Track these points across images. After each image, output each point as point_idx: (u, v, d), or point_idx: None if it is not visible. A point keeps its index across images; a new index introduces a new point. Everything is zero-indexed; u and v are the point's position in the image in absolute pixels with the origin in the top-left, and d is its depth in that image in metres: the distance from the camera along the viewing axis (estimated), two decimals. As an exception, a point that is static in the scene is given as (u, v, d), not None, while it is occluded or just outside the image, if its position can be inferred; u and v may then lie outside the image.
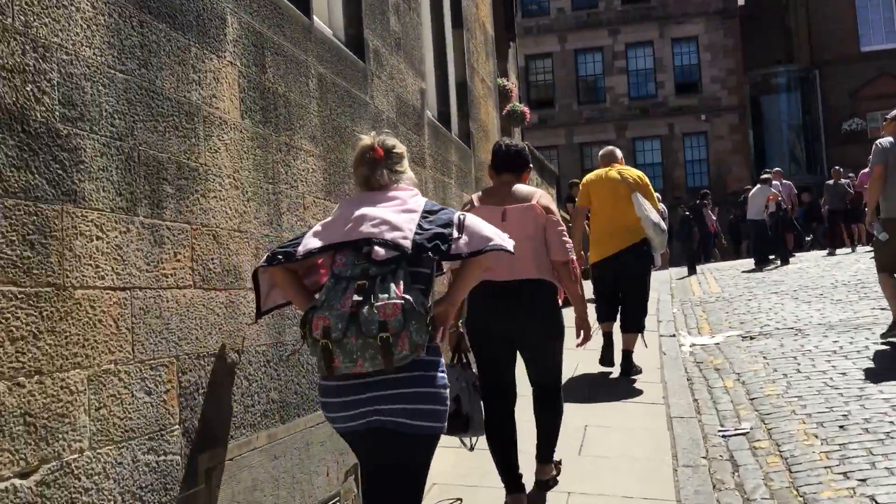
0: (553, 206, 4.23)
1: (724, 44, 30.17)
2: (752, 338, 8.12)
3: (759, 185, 15.77)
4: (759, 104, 31.16)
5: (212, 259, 2.94)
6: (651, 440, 5.13)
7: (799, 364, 6.61)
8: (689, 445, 4.92)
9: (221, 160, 3.03)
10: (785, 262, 15.26)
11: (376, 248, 2.61)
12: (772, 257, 15.82)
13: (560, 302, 4.19)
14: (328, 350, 2.47)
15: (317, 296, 2.68)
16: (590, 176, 7.06)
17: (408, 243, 2.61)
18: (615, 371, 6.95)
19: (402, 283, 2.53)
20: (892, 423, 4.78)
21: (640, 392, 6.33)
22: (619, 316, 6.98)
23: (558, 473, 4.42)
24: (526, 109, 10.29)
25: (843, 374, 6.10)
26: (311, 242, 2.73)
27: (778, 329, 8.34)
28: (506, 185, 4.23)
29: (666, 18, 30.58)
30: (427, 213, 2.75)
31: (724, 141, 30.18)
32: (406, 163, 2.94)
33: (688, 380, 6.67)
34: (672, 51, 30.68)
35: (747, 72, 30.63)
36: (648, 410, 5.76)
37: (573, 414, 5.55)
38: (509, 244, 2.73)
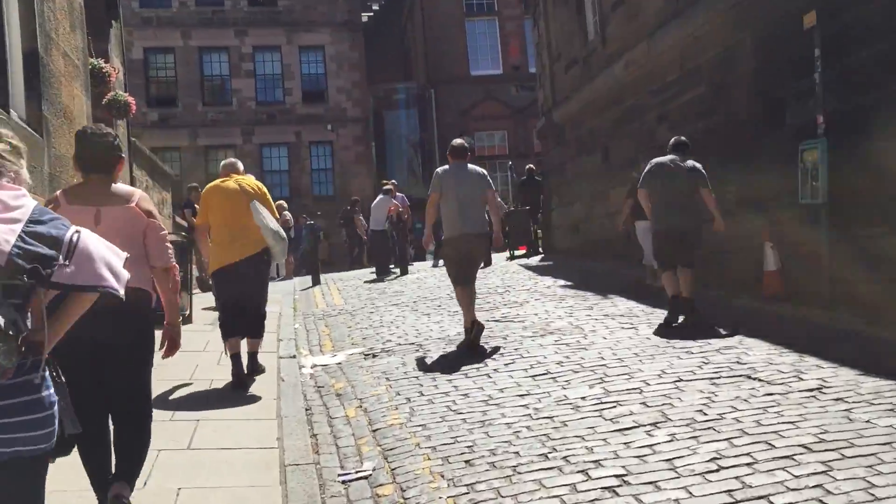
0: (154, 209, 3.99)
1: (350, 56, 30.67)
2: (374, 355, 7.72)
3: (380, 196, 15.89)
4: (381, 118, 32.25)
5: None
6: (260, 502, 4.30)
7: (422, 385, 6.28)
8: (305, 502, 4.18)
9: None
10: (404, 271, 15.54)
11: None
12: (392, 267, 16.04)
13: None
14: None
15: None
16: (208, 187, 7.00)
17: (2, 258, 2.18)
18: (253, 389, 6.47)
19: None
20: (517, 453, 4.52)
21: (253, 431, 5.48)
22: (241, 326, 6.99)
23: None
24: (131, 100, 8.89)
25: (466, 395, 5.86)
26: None
27: (400, 345, 8.07)
28: (98, 182, 3.84)
29: (293, 25, 30.24)
30: (34, 222, 2.31)
31: (348, 151, 30.65)
32: (22, 158, 2.53)
33: (307, 410, 5.98)
34: (300, 58, 30.42)
35: (371, 86, 31.52)
36: (261, 459, 4.91)
37: (167, 473, 4.53)
38: (121, 284, 2.38)
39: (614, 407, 5.18)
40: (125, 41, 28.81)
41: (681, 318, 7.60)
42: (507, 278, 12.81)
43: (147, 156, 11.41)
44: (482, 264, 8.07)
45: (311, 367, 7.52)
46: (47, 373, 2.40)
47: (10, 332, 2.16)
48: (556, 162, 17.51)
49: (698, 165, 8.01)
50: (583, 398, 5.46)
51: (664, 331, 7.36)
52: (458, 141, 8.10)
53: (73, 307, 2.44)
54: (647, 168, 8.12)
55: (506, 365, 6.65)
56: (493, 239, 8.18)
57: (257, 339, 7.10)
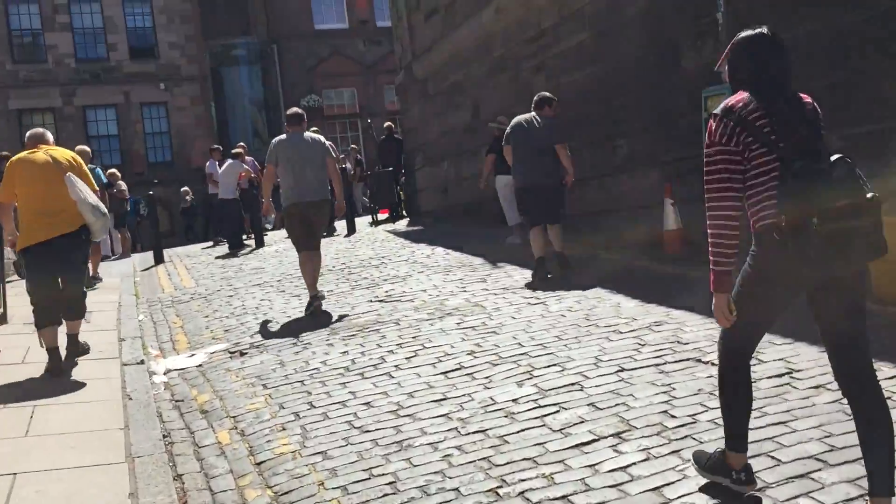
0: None
1: (182, 9, 28.04)
2: (242, 353, 6.44)
3: (229, 161, 14.26)
4: (220, 76, 29.88)
5: None
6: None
7: (310, 393, 5.10)
8: None
9: None
10: (260, 244, 14.09)
11: None
12: (246, 240, 14.55)
13: None
14: None
15: None
16: (14, 159, 6.36)
17: None
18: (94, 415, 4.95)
19: None
20: (457, 491, 3.47)
21: (96, 488, 4.11)
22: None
23: None
24: None
25: (368, 404, 4.74)
26: None
27: (272, 337, 6.81)
28: None
29: (113, -28, 27.27)
30: None
31: (185, 113, 28.20)
32: None
33: (165, 438, 4.68)
34: (124, 10, 27.49)
35: (207, 41, 29.06)
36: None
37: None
38: None
39: (558, 412, 4.24)
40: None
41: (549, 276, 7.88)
42: (378, 248, 11.68)
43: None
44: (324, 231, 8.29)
45: (165, 374, 6.14)
46: None
47: None
48: (419, 119, 16.43)
49: (555, 121, 8.25)
50: (514, 401, 4.48)
51: (535, 285, 7.56)
52: (293, 109, 8.20)
53: None
54: (509, 126, 8.36)
55: (407, 359, 5.57)
56: (335, 207, 8.01)
57: (77, 321, 6.48)
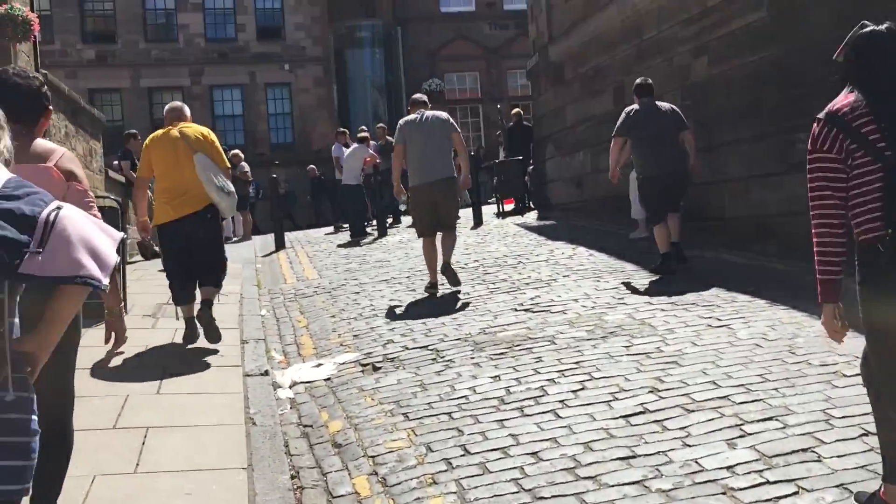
0: (78, 169, 3.24)
1: (309, -12, 27.90)
2: (376, 367, 5.67)
3: (354, 146, 13.66)
4: (343, 58, 29.59)
5: None
6: None
7: (462, 433, 4.25)
8: None
9: None
10: (383, 233, 13.43)
11: None
12: (368, 228, 13.93)
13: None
14: None
15: None
16: (151, 137, 6.47)
17: None
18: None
19: None
20: None
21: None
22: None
23: None
24: (33, 17, 6.45)
25: (536, 456, 3.85)
26: None
27: (408, 348, 6.02)
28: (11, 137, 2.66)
29: (245, -47, 27.33)
30: (5, 198, 1.86)
31: (308, 94, 28.07)
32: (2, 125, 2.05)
33: (293, 479, 3.93)
34: (253, -9, 27.55)
35: (331, 23, 28.80)
36: None
37: None
38: (106, 272, 1.89)
39: (797, 494, 3.22)
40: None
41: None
42: (511, 244, 10.77)
43: (67, 94, 9.03)
44: (455, 213, 8.09)
45: (291, 388, 5.45)
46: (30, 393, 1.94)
47: None
48: (553, 106, 15.38)
49: (675, 107, 8.24)
50: (730, 469, 3.49)
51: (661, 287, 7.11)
52: (417, 95, 8.35)
53: (60, 304, 1.97)
54: (626, 114, 8.04)
55: (574, 392, 4.65)
56: (461, 182, 8.09)
57: (211, 288, 6.47)
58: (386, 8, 29.83)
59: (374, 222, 14.07)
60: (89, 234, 1.93)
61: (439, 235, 7.86)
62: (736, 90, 9.50)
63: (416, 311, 7.25)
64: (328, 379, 5.58)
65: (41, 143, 3.21)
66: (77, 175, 3.24)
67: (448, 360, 5.58)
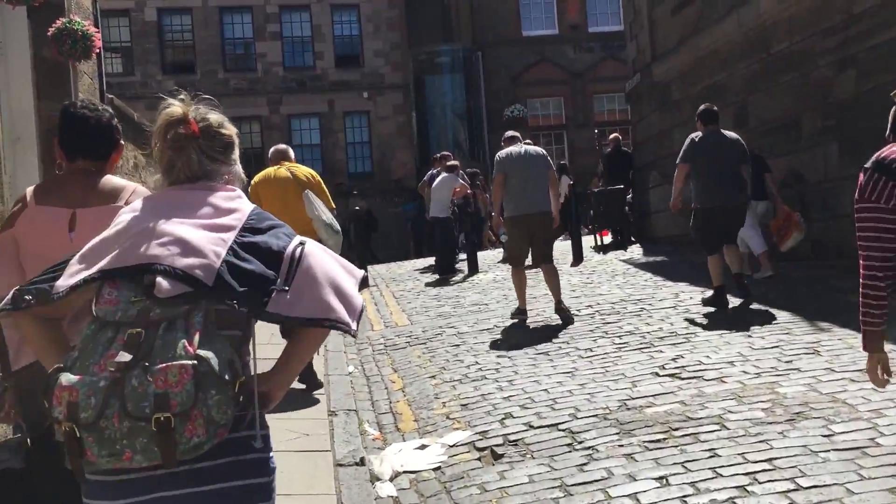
0: None
1: (388, 15, 27.24)
2: (496, 455, 4.52)
3: (443, 175, 12.62)
4: (422, 84, 28.81)
5: None
6: None
7: (640, 575, 3.06)
8: None
9: None
10: (474, 270, 12.31)
11: (159, 279, 1.73)
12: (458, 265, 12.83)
13: None
14: (75, 438, 1.62)
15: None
16: (259, 176, 6.50)
17: (207, 275, 1.75)
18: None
19: (197, 332, 1.69)
20: None
21: None
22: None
23: None
24: (95, 31, 5.62)
25: None
26: (76, 271, 1.83)
27: (533, 427, 4.85)
28: (80, 174, 2.86)
29: (323, -20, 26.88)
30: (250, 231, 1.87)
31: (387, 122, 27.32)
32: (237, 151, 2.07)
33: None
34: (332, 18, 27.04)
35: (410, 48, 28.09)
36: None
37: None
38: (354, 316, 1.85)
39: None
40: (136, 1, 25.80)
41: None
42: (623, 284, 9.52)
43: (136, 122, 8.24)
44: (552, 246, 8.32)
45: (392, 482, 4.34)
46: (268, 432, 1.92)
47: (226, 377, 1.67)
48: (656, 130, 14.11)
49: (740, 138, 7.88)
50: None
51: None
52: (510, 132, 8.41)
53: (302, 345, 1.93)
54: (691, 140, 7.72)
55: (782, 511, 3.41)
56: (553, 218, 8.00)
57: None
58: (466, 32, 29.00)
59: (464, 257, 12.99)
60: (335, 273, 1.88)
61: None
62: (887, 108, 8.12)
63: (532, 372, 6.07)
64: (437, 468, 4.46)
65: (110, 179, 2.90)
66: None
67: (589, 448, 4.39)
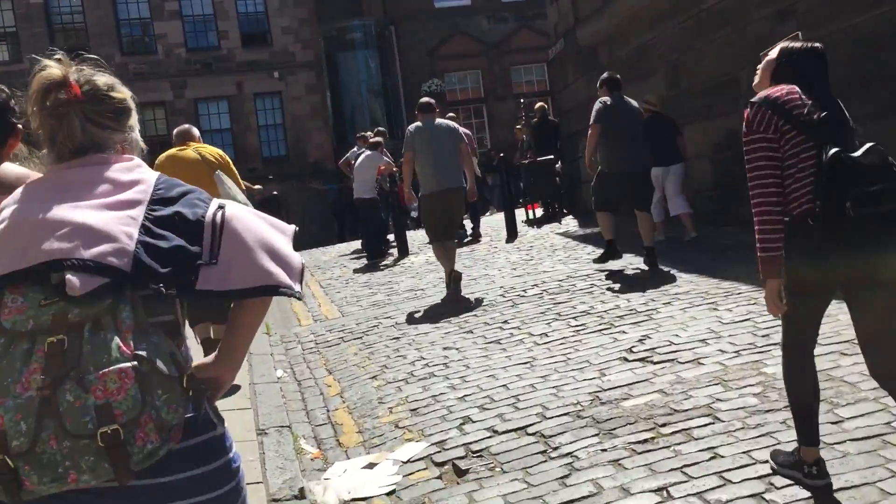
0: None
1: (294, -11, 26.06)
2: (459, 470, 3.86)
3: (366, 153, 11.85)
4: (334, 62, 27.76)
5: None
6: None
7: None
8: None
9: None
10: (404, 252, 11.63)
11: (69, 275, 1.52)
12: (387, 248, 12.12)
13: None
14: (8, 469, 1.45)
15: None
16: (163, 156, 6.12)
17: (123, 261, 1.56)
18: None
19: (129, 328, 1.52)
20: None
21: None
22: None
23: None
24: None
25: None
26: None
27: (498, 433, 4.20)
28: None
29: (223, -46, 25.48)
30: (160, 202, 1.67)
31: (301, 103, 26.19)
32: (134, 117, 1.84)
33: None
34: (235, -6, 25.69)
35: (320, 24, 26.97)
36: None
37: None
38: (296, 278, 1.68)
39: None
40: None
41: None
42: (567, 260, 8.98)
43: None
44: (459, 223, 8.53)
45: (342, 514, 3.63)
46: (224, 429, 1.70)
47: (171, 372, 1.52)
48: (585, 97, 13.56)
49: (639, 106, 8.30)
50: None
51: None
52: (424, 99, 8.24)
53: (244, 319, 1.75)
54: (602, 104, 7.90)
55: (816, 526, 2.86)
56: (468, 193, 8.12)
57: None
58: (376, 6, 28.05)
59: (392, 240, 12.27)
60: (264, 233, 1.70)
61: None
62: (836, 60, 7.75)
63: (486, 364, 5.43)
64: (392, 492, 3.78)
65: (13, 168, 2.50)
66: None
67: (567, 455, 3.77)
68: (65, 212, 1.62)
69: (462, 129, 9.22)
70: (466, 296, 7.66)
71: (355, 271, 10.80)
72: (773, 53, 3.18)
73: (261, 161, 25.34)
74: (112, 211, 1.63)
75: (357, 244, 13.39)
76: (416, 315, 7.32)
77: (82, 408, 1.45)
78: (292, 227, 1.77)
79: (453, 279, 7.62)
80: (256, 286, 1.63)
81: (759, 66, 3.25)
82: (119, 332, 1.51)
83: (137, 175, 1.71)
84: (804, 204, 2.86)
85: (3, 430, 1.44)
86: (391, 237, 12.21)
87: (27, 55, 22.19)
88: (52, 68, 1.73)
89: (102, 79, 1.80)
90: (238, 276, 1.62)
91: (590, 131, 7.89)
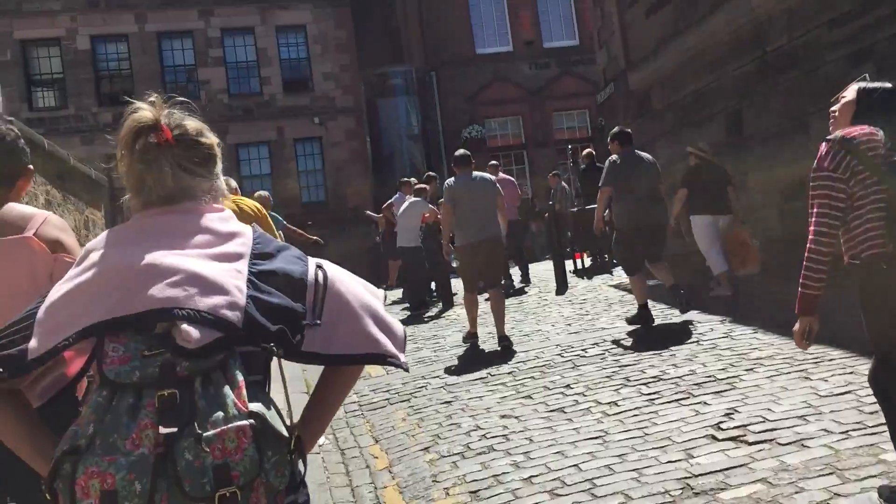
0: (67, 237, 2.55)
1: (336, 35, 26.06)
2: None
3: (410, 200, 11.44)
4: (375, 107, 27.67)
5: None
6: None
7: None
8: None
9: None
10: (448, 304, 11.12)
11: (185, 326, 1.43)
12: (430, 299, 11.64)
13: None
14: None
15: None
16: None
17: (237, 316, 1.47)
18: None
19: (241, 384, 1.43)
20: None
21: None
22: None
23: None
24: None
25: None
26: (53, 328, 1.48)
27: (573, 527, 3.63)
28: None
29: (266, 1, 25.63)
30: (260, 257, 1.60)
31: (341, 148, 26.03)
32: (219, 164, 1.77)
33: None
34: (277, 41, 25.78)
35: (361, 70, 26.94)
36: None
37: None
38: (400, 347, 1.65)
39: None
40: (67, 29, 24.27)
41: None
42: (625, 315, 8.40)
43: (48, 151, 6.88)
44: (500, 273, 8.36)
45: None
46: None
47: (282, 432, 1.44)
48: (636, 143, 13.11)
49: (654, 159, 8.22)
50: None
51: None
52: (461, 151, 8.18)
53: (338, 385, 1.70)
54: (611, 163, 7.97)
55: None
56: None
57: None
58: (417, 52, 27.99)
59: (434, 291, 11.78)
60: (367, 298, 1.66)
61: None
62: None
63: (551, 438, 4.86)
64: None
65: (17, 209, 2.49)
66: (66, 245, 2.54)
67: (664, 562, 3.19)
68: (172, 259, 1.53)
69: (505, 177, 8.57)
70: (519, 352, 7.12)
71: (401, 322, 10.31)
72: (851, 95, 3.19)
73: (300, 206, 25.15)
74: (218, 262, 1.55)
75: (398, 293, 12.93)
76: (468, 375, 6.78)
77: (201, 468, 1.35)
78: (381, 291, 1.72)
79: (471, 341, 7.70)
80: (365, 353, 1.59)
81: (835, 108, 3.25)
82: (234, 388, 1.43)
83: (235, 227, 1.65)
84: (875, 247, 2.92)
85: (114, 491, 1.33)
86: (433, 286, 11.74)
87: (72, 100, 22.27)
88: (145, 111, 1.68)
89: (192, 123, 1.75)
90: (343, 341, 1.58)
91: (599, 194, 8.06)
